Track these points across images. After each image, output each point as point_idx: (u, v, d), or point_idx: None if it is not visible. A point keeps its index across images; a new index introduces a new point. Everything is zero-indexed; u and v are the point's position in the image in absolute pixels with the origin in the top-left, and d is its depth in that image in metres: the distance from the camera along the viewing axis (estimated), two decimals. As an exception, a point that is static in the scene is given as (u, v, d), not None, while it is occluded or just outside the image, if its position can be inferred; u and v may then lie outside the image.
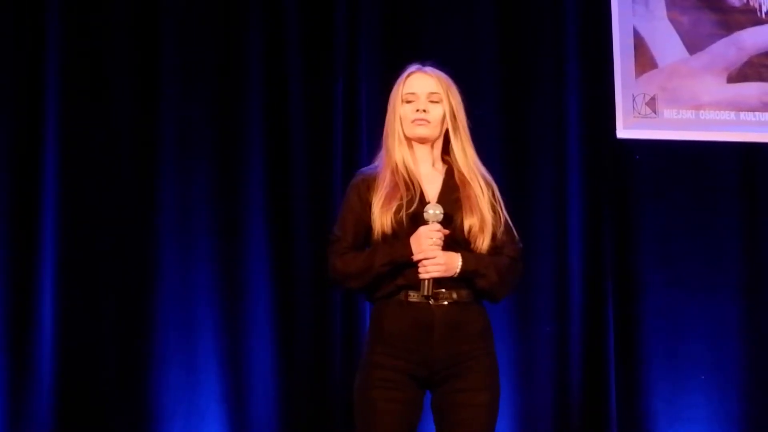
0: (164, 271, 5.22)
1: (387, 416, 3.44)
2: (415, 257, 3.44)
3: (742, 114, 5.74)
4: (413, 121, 3.55)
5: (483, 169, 3.62)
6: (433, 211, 3.47)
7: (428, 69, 3.62)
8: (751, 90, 5.77)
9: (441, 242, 3.45)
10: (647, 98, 5.68)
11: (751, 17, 5.78)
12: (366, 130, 5.35)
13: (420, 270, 3.45)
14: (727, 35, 5.76)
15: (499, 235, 3.55)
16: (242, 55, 5.37)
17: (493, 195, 3.58)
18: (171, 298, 5.21)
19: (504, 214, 3.59)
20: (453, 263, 3.46)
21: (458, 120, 3.59)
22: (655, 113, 5.68)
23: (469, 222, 3.51)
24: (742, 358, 5.64)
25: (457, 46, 5.54)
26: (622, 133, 5.65)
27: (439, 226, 3.46)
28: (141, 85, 5.28)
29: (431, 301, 3.47)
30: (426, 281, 3.45)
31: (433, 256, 3.43)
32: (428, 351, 3.47)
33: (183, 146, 5.30)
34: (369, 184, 3.56)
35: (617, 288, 5.58)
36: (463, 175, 3.56)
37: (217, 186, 5.31)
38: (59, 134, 5.17)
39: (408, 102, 3.56)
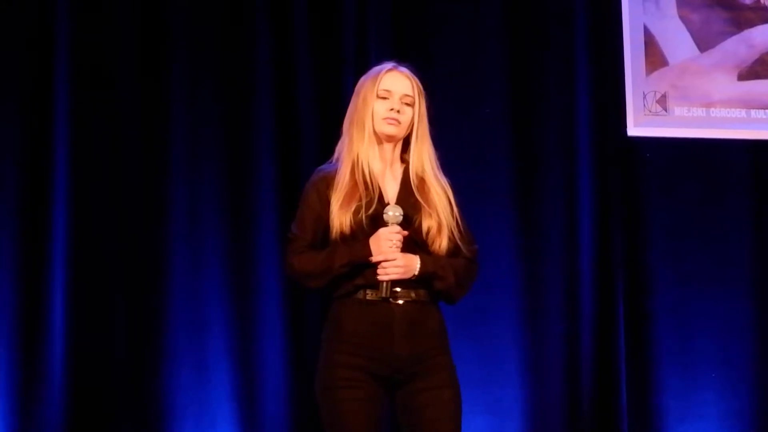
0: (174, 271, 5.23)
1: (353, 415, 3.45)
2: (375, 258, 3.46)
3: (752, 112, 5.74)
4: (384, 119, 3.57)
5: (440, 172, 3.63)
6: (393, 213, 3.49)
7: (404, 70, 3.63)
8: (762, 87, 5.76)
9: (400, 244, 3.47)
10: (658, 96, 5.68)
11: (761, 15, 5.77)
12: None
13: (379, 272, 3.47)
14: (737, 33, 5.75)
15: (456, 236, 3.57)
16: (251, 53, 5.37)
17: (449, 198, 3.60)
18: (181, 298, 5.22)
19: (460, 215, 3.60)
20: (412, 265, 3.49)
21: (423, 124, 3.61)
22: (666, 111, 5.68)
23: (428, 223, 3.53)
24: (753, 355, 5.63)
25: (465, 44, 5.55)
26: (632, 130, 5.65)
27: (398, 228, 3.48)
28: (150, 85, 5.28)
29: (390, 301, 3.49)
30: (384, 283, 3.47)
31: (392, 258, 3.46)
32: (388, 349, 3.48)
33: (192, 146, 5.31)
34: (328, 183, 3.57)
35: (628, 285, 5.58)
36: (421, 176, 3.59)
37: (227, 185, 5.32)
38: (69, 136, 5.17)
39: (383, 99, 3.58)
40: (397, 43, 5.46)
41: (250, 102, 5.37)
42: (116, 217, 5.21)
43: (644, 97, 5.66)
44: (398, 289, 3.49)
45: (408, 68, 3.66)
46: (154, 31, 5.32)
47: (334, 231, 3.51)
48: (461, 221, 3.60)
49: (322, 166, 3.68)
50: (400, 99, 3.58)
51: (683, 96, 5.71)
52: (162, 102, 5.31)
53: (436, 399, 3.48)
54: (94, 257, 5.17)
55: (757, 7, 5.78)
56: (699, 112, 5.71)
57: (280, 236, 5.29)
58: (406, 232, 3.49)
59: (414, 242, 3.51)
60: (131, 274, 5.21)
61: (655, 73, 5.70)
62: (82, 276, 5.15)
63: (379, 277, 3.46)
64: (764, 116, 5.74)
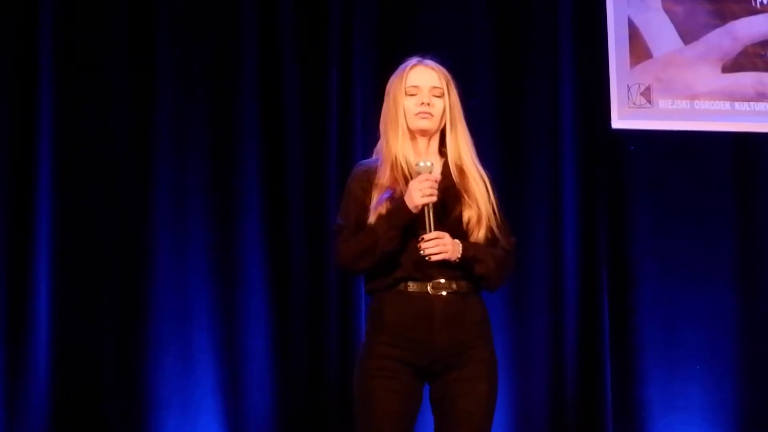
0: (159, 262, 5.22)
1: (386, 406, 3.45)
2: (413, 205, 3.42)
3: (736, 104, 5.75)
4: (417, 114, 3.57)
5: (478, 162, 3.63)
6: (424, 164, 3.47)
7: (429, 62, 3.64)
8: (746, 80, 5.77)
9: (434, 190, 3.44)
10: (642, 88, 5.68)
11: (745, 7, 5.78)
12: (360, 121, 5.35)
13: (426, 252, 3.43)
14: (721, 25, 5.76)
15: (494, 227, 3.57)
16: (236, 48, 5.37)
17: (487, 188, 3.60)
18: (166, 289, 5.22)
19: (497, 204, 3.60)
20: (455, 248, 3.47)
21: (456, 113, 3.62)
22: (650, 103, 5.69)
23: (468, 214, 3.54)
24: (737, 348, 5.65)
25: (451, 37, 5.55)
26: (616, 123, 5.66)
27: (426, 176, 3.46)
28: (136, 79, 5.28)
29: (431, 289, 3.48)
30: (426, 256, 3.44)
31: (440, 237, 3.44)
32: (429, 341, 3.48)
33: (178, 138, 5.31)
34: (370, 177, 3.57)
35: (612, 278, 5.59)
36: (460, 167, 3.59)
37: (212, 177, 5.32)
38: (54, 129, 5.16)
39: (411, 95, 3.58)
40: (382, 37, 5.45)
41: (236, 94, 5.37)
42: (101, 207, 5.21)
43: (628, 89, 5.67)
44: (442, 280, 3.49)
45: (433, 60, 3.66)
46: (141, 25, 5.32)
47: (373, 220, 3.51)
48: (498, 210, 3.59)
49: (364, 161, 3.69)
50: (429, 92, 3.58)
51: (667, 88, 5.72)
52: (149, 93, 5.30)
53: (470, 390, 3.48)
54: (79, 247, 5.17)
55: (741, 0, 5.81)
56: (683, 104, 5.72)
57: (264, 228, 5.31)
58: (437, 176, 3.48)
59: (454, 233, 3.50)
60: (116, 264, 5.20)
61: (640, 66, 5.70)
62: (67, 266, 5.15)
63: (432, 257, 3.43)
64: (748, 108, 5.76)
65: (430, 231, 3.44)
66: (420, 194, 3.43)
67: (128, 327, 5.19)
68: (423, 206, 3.44)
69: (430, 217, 3.44)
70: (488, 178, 3.62)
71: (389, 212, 3.47)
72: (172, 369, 5.20)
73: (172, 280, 5.24)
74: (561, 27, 5.64)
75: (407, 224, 3.47)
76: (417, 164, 3.49)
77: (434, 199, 3.44)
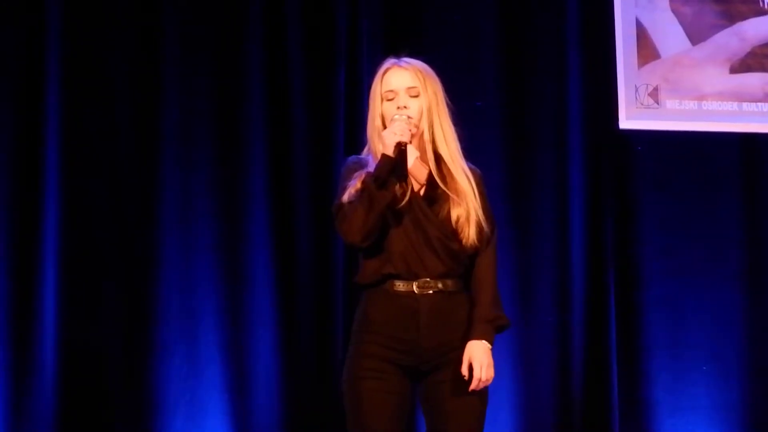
0: (166, 261, 5.23)
1: (376, 407, 3.43)
2: (388, 145, 3.40)
3: (744, 105, 5.75)
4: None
5: (462, 158, 3.56)
6: (399, 116, 3.45)
7: (403, 62, 3.57)
8: (754, 80, 5.77)
9: (404, 130, 3.41)
10: (650, 89, 5.68)
11: (753, 8, 5.78)
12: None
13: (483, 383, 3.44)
14: (729, 26, 5.76)
15: (483, 223, 3.51)
16: (243, 45, 5.37)
17: (472, 183, 3.53)
18: (173, 288, 5.22)
19: (485, 201, 3.55)
20: (486, 352, 3.45)
21: (439, 109, 3.55)
22: (658, 104, 5.69)
23: (457, 212, 3.48)
24: (743, 348, 5.65)
25: (458, 36, 5.55)
26: (624, 123, 5.66)
27: (398, 120, 3.43)
28: (142, 76, 5.29)
29: (417, 288, 3.46)
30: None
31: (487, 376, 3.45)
32: (415, 340, 3.46)
33: (184, 136, 5.31)
34: (362, 167, 3.53)
35: (619, 278, 5.59)
36: (447, 165, 3.53)
37: (219, 178, 5.32)
38: (61, 127, 5.17)
39: (388, 100, 3.53)
40: (388, 35, 5.45)
41: (243, 92, 5.37)
42: (108, 208, 5.22)
43: (636, 90, 5.67)
44: (427, 279, 3.47)
45: (408, 57, 3.59)
46: (147, 22, 5.32)
47: None
48: (485, 206, 3.54)
49: (354, 156, 3.65)
50: (405, 93, 3.52)
51: (675, 89, 5.71)
52: (154, 92, 5.31)
53: (458, 391, 3.45)
54: (86, 248, 5.18)
55: (749, 0, 5.79)
56: (691, 105, 5.72)
57: (271, 228, 5.31)
58: (407, 116, 3.45)
59: (445, 234, 3.47)
60: (123, 264, 5.21)
61: (647, 66, 5.70)
62: (74, 267, 5.15)
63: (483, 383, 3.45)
64: (756, 109, 5.75)
65: (405, 173, 3.43)
66: (392, 134, 3.40)
67: (134, 327, 5.20)
68: (397, 149, 3.39)
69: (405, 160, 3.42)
70: (476, 173, 3.57)
71: (373, 171, 3.42)
72: (179, 369, 5.21)
73: (178, 281, 5.24)
74: (568, 27, 5.64)
75: (390, 170, 3.40)
76: (393, 117, 3.46)
77: (405, 138, 3.41)
